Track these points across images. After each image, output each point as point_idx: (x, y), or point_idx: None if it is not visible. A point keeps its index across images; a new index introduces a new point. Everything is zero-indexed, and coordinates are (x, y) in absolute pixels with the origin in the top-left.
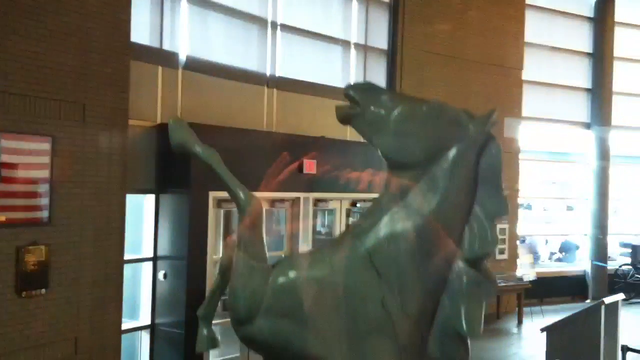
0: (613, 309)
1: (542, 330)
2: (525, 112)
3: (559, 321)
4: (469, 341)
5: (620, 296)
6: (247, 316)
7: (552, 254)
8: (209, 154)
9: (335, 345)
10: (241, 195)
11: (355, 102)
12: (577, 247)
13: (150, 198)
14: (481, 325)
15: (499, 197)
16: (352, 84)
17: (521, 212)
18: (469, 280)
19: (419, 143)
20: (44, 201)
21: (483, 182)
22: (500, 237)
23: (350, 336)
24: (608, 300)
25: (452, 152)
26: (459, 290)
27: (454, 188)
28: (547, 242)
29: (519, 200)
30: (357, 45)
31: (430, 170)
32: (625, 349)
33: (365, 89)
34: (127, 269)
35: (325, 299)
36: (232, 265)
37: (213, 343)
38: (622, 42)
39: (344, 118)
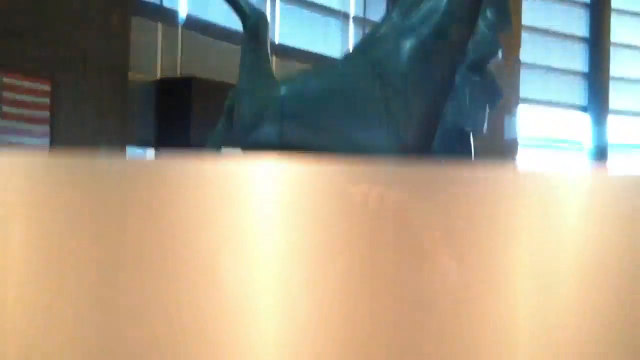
0: None
1: None
2: (521, 94)
3: None
4: (471, 140)
5: None
6: (253, 122)
7: None
8: None
9: (337, 139)
10: (246, 8)
11: None
12: None
13: (150, 153)
14: (484, 124)
15: (505, 14)
16: None
17: None
18: (474, 85)
19: None
20: (44, 141)
21: (488, 1)
22: None
23: (352, 130)
24: None
25: None
26: (463, 95)
27: (458, 5)
28: None
29: None
30: (355, 18)
31: None
32: None
33: None
34: None
35: (329, 102)
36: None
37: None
38: (619, 28)
39: None
